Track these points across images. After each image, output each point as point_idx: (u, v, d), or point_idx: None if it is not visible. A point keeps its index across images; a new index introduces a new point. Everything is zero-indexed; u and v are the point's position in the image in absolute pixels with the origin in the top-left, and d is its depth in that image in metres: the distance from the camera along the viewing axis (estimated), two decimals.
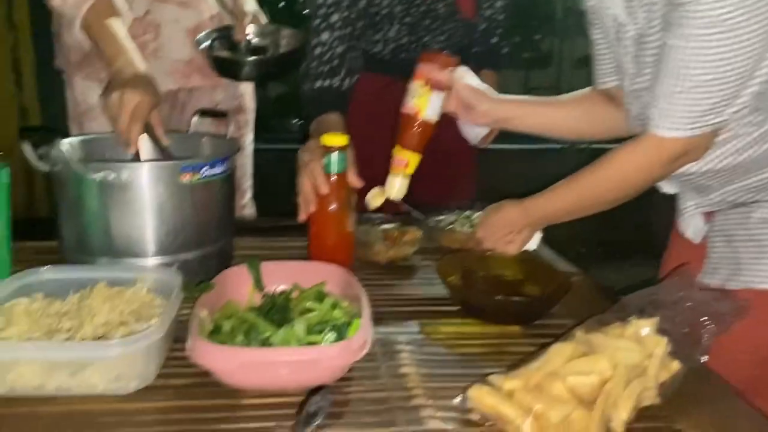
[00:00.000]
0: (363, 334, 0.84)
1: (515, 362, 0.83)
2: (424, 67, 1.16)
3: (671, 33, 0.90)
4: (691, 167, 1.03)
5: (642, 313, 0.84)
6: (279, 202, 1.91)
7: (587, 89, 1.22)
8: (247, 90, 1.71)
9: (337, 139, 1.16)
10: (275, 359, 0.80)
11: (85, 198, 1.10)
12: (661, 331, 0.81)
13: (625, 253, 3.13)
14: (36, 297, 0.95)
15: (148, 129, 1.23)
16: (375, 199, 1.23)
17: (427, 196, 1.38)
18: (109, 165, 1.09)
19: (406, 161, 1.18)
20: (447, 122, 1.22)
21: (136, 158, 1.21)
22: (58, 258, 1.18)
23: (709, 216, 1.12)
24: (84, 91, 1.56)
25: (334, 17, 1.47)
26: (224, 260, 1.24)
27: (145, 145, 1.22)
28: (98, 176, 1.08)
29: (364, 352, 0.83)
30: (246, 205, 1.81)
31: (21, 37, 2.79)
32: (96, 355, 0.81)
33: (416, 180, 1.21)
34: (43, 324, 0.89)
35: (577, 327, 0.85)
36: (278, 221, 1.55)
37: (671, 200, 1.21)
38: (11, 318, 0.88)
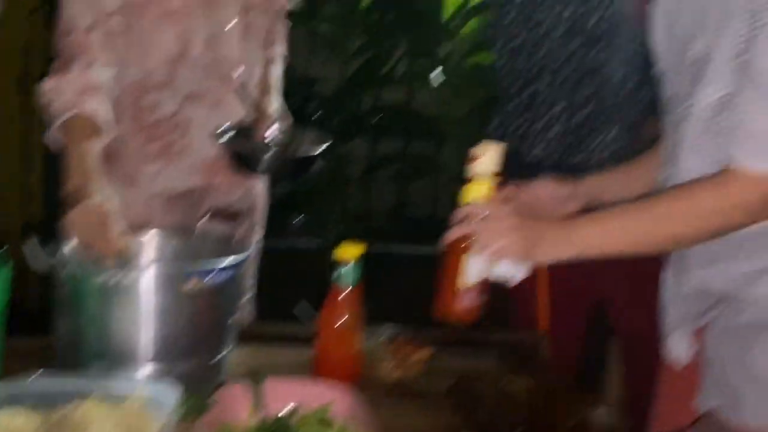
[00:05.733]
0: None
1: None
2: None
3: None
4: None
5: None
6: (276, 303, 1.86)
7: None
8: (261, 190, 1.68)
9: (351, 251, 1.13)
10: None
11: (84, 300, 1.06)
12: None
13: None
14: (22, 410, 0.88)
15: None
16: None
17: None
18: (112, 268, 1.05)
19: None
20: None
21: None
22: (51, 358, 1.12)
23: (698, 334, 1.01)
24: None
25: None
26: (223, 370, 1.18)
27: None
28: (101, 279, 1.03)
29: None
30: (245, 306, 1.76)
31: (33, 126, 2.80)
32: None
33: None
34: None
35: None
36: (281, 328, 1.48)
37: None
38: None
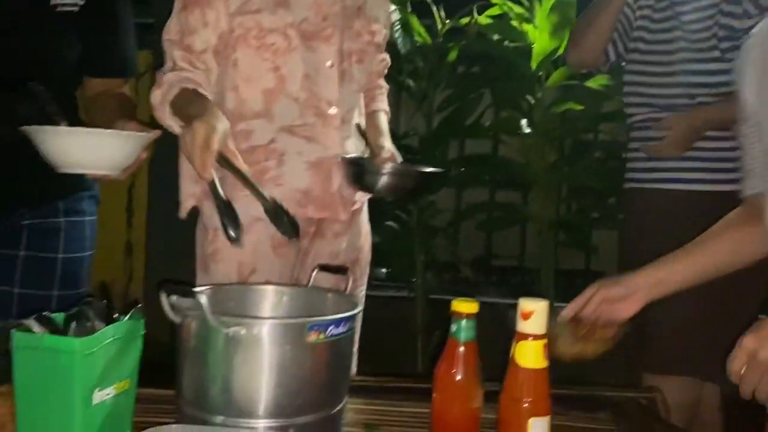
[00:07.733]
0: None
1: None
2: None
3: None
4: None
5: None
6: (373, 355, 1.85)
7: (728, 217, 1.15)
8: (366, 242, 1.71)
9: (467, 306, 1.12)
10: None
11: (211, 352, 1.08)
12: None
13: None
14: None
15: (222, 159, 1.31)
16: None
17: None
18: (242, 320, 1.08)
19: None
20: None
21: (214, 189, 1.30)
22: (174, 409, 1.14)
23: None
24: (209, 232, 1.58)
25: None
26: (341, 424, 1.18)
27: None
28: (230, 331, 1.06)
29: None
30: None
31: (137, 182, 2.95)
32: None
33: None
34: None
35: None
36: (388, 381, 1.48)
37: None
38: None
